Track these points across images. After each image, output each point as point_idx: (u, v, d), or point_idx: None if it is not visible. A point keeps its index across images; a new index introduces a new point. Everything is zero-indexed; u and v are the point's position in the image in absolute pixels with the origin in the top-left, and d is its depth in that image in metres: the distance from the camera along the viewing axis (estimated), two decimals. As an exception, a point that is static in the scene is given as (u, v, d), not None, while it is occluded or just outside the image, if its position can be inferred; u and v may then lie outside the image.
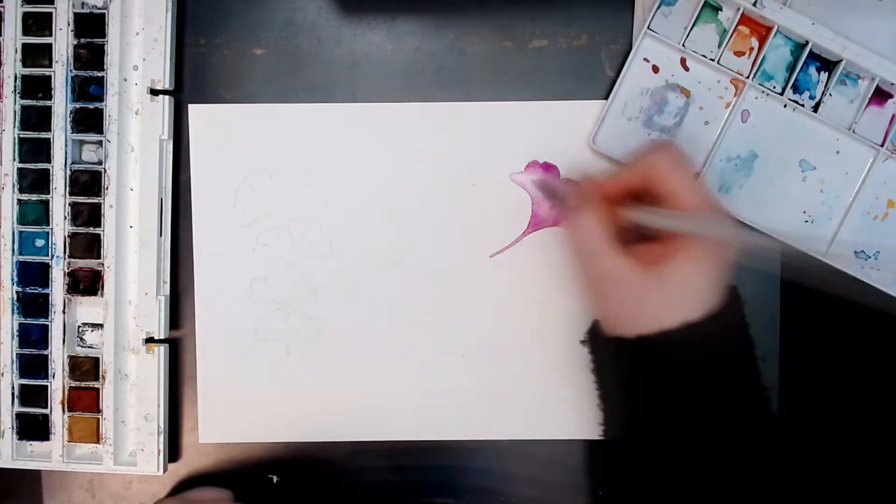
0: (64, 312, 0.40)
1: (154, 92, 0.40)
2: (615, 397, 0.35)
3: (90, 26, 0.39)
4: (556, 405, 0.42)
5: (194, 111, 0.41)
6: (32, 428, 0.40)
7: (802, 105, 0.39)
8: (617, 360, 0.34)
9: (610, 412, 0.36)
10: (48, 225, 0.40)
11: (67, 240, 0.40)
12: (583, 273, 0.35)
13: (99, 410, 0.40)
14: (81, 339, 0.41)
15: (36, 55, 0.39)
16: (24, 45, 0.39)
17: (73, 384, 0.40)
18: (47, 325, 0.40)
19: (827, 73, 0.39)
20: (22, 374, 0.40)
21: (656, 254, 0.32)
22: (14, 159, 0.40)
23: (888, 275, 0.40)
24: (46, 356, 0.40)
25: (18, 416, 0.40)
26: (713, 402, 0.32)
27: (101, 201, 0.40)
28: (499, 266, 0.41)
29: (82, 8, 0.39)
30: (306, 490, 0.42)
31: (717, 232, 0.31)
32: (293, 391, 0.42)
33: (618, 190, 0.34)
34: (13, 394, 0.40)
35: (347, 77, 0.41)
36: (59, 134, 0.39)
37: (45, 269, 0.40)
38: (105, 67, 0.39)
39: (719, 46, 0.39)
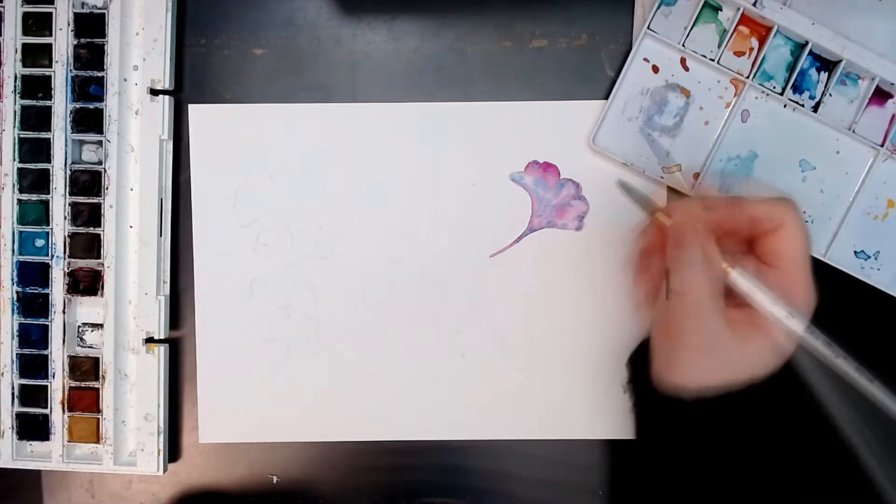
0: (64, 312, 0.40)
1: (154, 92, 0.40)
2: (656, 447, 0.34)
3: (90, 26, 0.39)
4: (556, 405, 0.42)
5: (194, 111, 0.41)
6: (32, 428, 0.40)
7: (802, 105, 0.39)
8: (667, 408, 0.32)
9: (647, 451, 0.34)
10: (48, 225, 0.40)
11: (67, 240, 0.40)
12: (672, 326, 0.31)
13: (99, 410, 0.40)
14: (81, 339, 0.41)
15: (36, 55, 0.39)
16: (24, 45, 0.39)
17: (73, 384, 0.40)
18: (47, 325, 0.40)
19: (827, 73, 0.39)
20: (22, 374, 0.40)
21: (747, 319, 0.31)
22: (14, 159, 0.40)
23: (888, 275, 0.40)
24: (46, 356, 0.40)
25: (18, 416, 0.40)
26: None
27: (101, 201, 0.40)
28: (499, 266, 0.41)
29: (82, 8, 0.39)
30: (306, 490, 0.42)
31: (789, 333, 0.30)
32: (293, 391, 0.42)
33: (726, 225, 0.31)
34: (13, 394, 0.40)
35: (347, 77, 0.41)
36: (59, 134, 0.39)
37: (45, 269, 0.40)
38: (105, 67, 0.39)
39: (719, 46, 0.39)
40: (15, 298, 0.40)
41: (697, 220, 0.31)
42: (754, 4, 0.38)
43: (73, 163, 0.40)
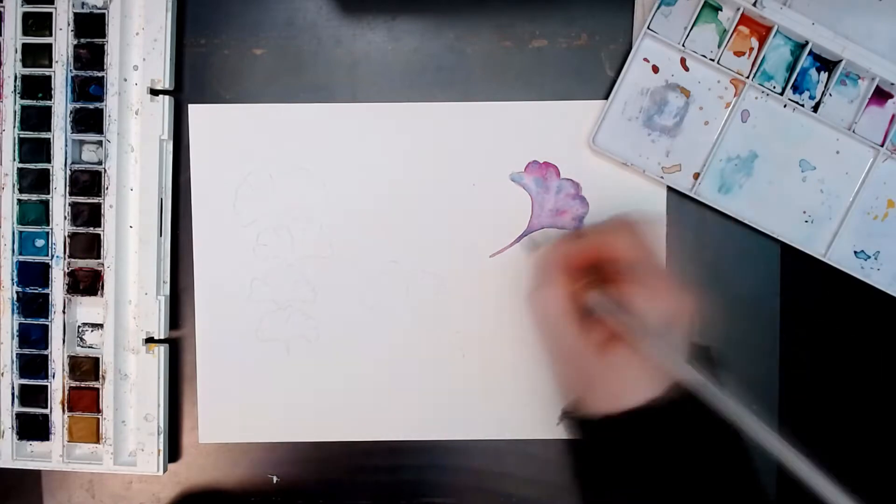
0: (64, 312, 0.40)
1: (154, 92, 0.40)
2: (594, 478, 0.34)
3: (90, 26, 0.39)
4: (555, 405, 0.42)
5: (194, 111, 0.41)
6: (32, 428, 0.40)
7: (802, 105, 0.39)
8: (593, 438, 0.32)
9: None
10: (48, 225, 0.40)
11: (67, 240, 0.40)
12: (546, 348, 0.34)
13: (99, 410, 0.40)
14: (81, 339, 0.41)
15: (36, 55, 0.39)
16: (24, 45, 0.39)
17: (73, 384, 0.40)
18: (47, 325, 0.40)
19: (827, 73, 0.39)
20: (22, 374, 0.40)
21: (611, 333, 0.31)
22: (14, 159, 0.40)
23: (888, 275, 0.40)
24: (46, 356, 0.40)
25: (18, 416, 0.40)
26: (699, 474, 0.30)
27: (101, 201, 0.40)
28: (499, 266, 0.41)
29: (82, 8, 0.39)
30: (306, 490, 0.42)
31: (657, 355, 0.29)
32: (293, 391, 0.42)
33: (579, 260, 0.33)
34: (13, 394, 0.40)
35: (347, 77, 0.41)
36: (59, 134, 0.39)
37: (45, 269, 0.40)
38: (105, 67, 0.39)
39: (719, 46, 0.39)
40: (15, 298, 0.40)
41: (551, 256, 0.33)
42: (754, 4, 0.38)
43: (73, 163, 0.40)
